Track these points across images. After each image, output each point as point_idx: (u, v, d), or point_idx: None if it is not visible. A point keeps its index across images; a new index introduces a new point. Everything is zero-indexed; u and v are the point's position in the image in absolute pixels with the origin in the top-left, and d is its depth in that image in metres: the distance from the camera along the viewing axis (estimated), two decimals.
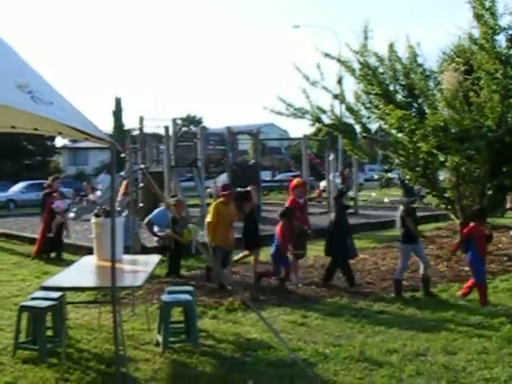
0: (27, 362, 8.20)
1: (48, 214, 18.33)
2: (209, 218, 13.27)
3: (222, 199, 13.35)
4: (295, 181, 14.88)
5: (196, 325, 8.93)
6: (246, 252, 14.35)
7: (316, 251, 16.36)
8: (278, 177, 57.06)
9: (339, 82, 18.18)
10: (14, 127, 7.84)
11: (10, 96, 5.33)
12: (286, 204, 14.12)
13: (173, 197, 19.38)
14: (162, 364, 8.13)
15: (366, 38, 16.91)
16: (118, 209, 14.82)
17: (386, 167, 36.33)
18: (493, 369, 7.76)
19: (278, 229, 13.27)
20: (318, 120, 18.45)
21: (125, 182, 17.09)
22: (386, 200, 35.92)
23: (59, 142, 72.40)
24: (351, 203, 30.18)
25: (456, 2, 20.42)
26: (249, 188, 14.38)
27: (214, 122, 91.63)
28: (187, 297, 9.10)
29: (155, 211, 16.85)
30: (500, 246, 17.34)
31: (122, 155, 16.33)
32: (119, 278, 6.99)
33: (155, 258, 9.88)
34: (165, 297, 9.10)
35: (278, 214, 13.46)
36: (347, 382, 7.40)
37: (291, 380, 7.41)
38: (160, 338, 8.70)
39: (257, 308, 10.00)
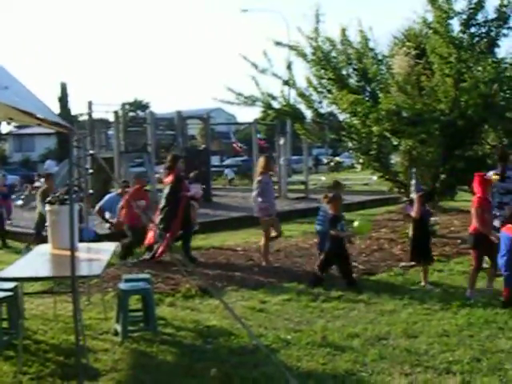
0: None
1: (181, 203, 13.92)
2: None
3: None
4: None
5: (155, 313, 8.80)
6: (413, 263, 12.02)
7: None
8: (226, 161, 57.07)
9: (288, 67, 18.11)
10: None
11: None
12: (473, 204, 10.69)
13: (124, 182, 19.13)
14: (122, 354, 7.97)
15: (317, 22, 16.84)
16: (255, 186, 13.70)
17: (332, 151, 36.52)
18: (455, 351, 7.77)
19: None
20: (269, 106, 18.38)
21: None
22: None
23: (4, 128, 71.54)
24: (302, 187, 30.33)
25: None
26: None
27: (162, 106, 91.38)
28: (145, 284, 8.97)
29: (106, 197, 16.72)
30: (452, 228, 17.48)
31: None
32: (77, 267, 6.83)
33: (111, 246, 9.72)
34: (122, 285, 8.95)
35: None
36: (311, 367, 7.34)
37: (255, 367, 7.33)
38: (118, 327, 8.54)
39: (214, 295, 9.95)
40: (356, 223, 11.95)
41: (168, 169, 14.34)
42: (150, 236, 14.07)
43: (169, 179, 14.06)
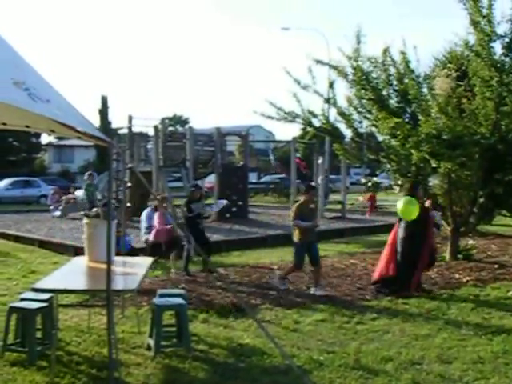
0: (16, 365, 8.02)
1: (429, 230, 13.23)
2: None
3: None
4: None
5: (188, 329, 8.79)
6: None
7: None
8: (264, 179, 57.08)
9: (331, 86, 18.05)
10: (4, 124, 7.72)
11: (7, 93, 5.21)
12: None
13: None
14: (154, 369, 7.97)
15: (358, 43, 16.74)
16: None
17: (369, 171, 36.18)
18: (489, 379, 7.66)
19: None
20: (310, 124, 18.32)
21: None
22: None
23: (45, 138, 72.21)
24: (339, 207, 30.17)
25: (447, 7, 20.44)
26: None
27: (200, 122, 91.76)
28: (180, 300, 8.96)
29: (145, 214, 16.77)
30: (489, 253, 17.31)
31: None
32: (112, 281, 6.86)
33: (147, 260, 9.74)
34: (157, 300, 8.96)
35: None
36: None
37: None
38: (151, 342, 8.54)
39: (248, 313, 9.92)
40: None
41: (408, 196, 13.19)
42: (390, 267, 13.07)
43: None
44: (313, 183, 13.37)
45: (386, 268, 12.98)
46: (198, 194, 15.45)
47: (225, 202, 18.25)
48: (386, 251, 13.23)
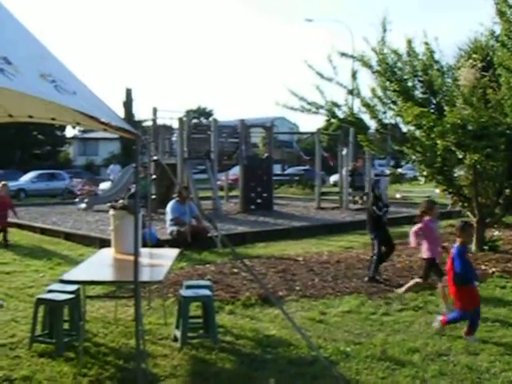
0: (44, 356, 8.09)
1: None
2: None
3: None
4: None
5: (215, 320, 8.80)
6: None
7: (328, 246, 16.27)
8: (288, 170, 57.08)
9: (353, 76, 17.97)
10: (31, 117, 7.77)
11: (34, 85, 5.22)
12: None
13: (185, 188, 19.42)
14: (181, 360, 7.99)
15: (384, 31, 16.62)
16: None
17: (393, 163, 36.05)
18: None
19: None
20: (333, 115, 18.24)
21: None
22: (397, 196, 35.74)
23: (69, 132, 72.55)
24: (364, 198, 30.06)
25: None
26: None
27: (224, 114, 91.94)
28: (206, 292, 8.98)
29: (170, 207, 16.90)
30: None
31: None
32: (139, 272, 6.88)
33: (174, 252, 9.76)
34: (183, 291, 8.98)
35: None
36: (370, 381, 7.26)
37: (313, 379, 7.29)
38: (178, 334, 8.57)
39: (274, 304, 9.93)
40: None
41: None
42: None
43: None
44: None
45: None
46: None
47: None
48: None
